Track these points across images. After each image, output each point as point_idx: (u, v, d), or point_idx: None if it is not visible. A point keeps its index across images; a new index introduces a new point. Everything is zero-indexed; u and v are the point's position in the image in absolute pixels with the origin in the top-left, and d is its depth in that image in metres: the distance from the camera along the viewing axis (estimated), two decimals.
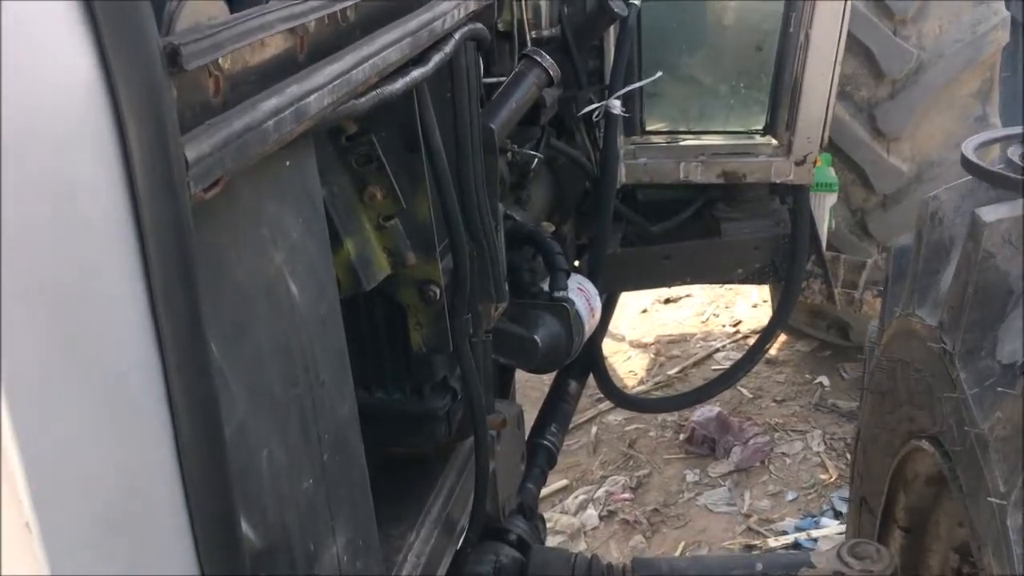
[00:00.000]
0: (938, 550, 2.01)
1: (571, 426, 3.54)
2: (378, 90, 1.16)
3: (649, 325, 5.47)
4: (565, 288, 2.35)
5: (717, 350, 5.22)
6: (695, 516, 4.00)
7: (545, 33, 2.51)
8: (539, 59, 2.02)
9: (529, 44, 2.53)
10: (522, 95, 2.02)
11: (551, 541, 3.91)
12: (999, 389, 1.32)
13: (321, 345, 1.11)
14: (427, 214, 1.45)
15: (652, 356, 5.27)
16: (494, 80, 2.05)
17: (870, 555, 1.78)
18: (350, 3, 1.10)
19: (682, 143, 3.08)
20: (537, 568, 2.05)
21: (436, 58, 1.31)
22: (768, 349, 3.26)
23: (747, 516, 3.95)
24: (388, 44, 1.12)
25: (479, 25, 1.52)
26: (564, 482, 4.29)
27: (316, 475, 1.10)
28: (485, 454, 1.65)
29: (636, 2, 2.74)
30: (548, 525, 3.59)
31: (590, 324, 2.55)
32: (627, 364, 5.16)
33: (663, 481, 4.25)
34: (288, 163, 1.06)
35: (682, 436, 4.48)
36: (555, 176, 2.74)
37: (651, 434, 4.57)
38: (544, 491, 4.28)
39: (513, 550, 2.09)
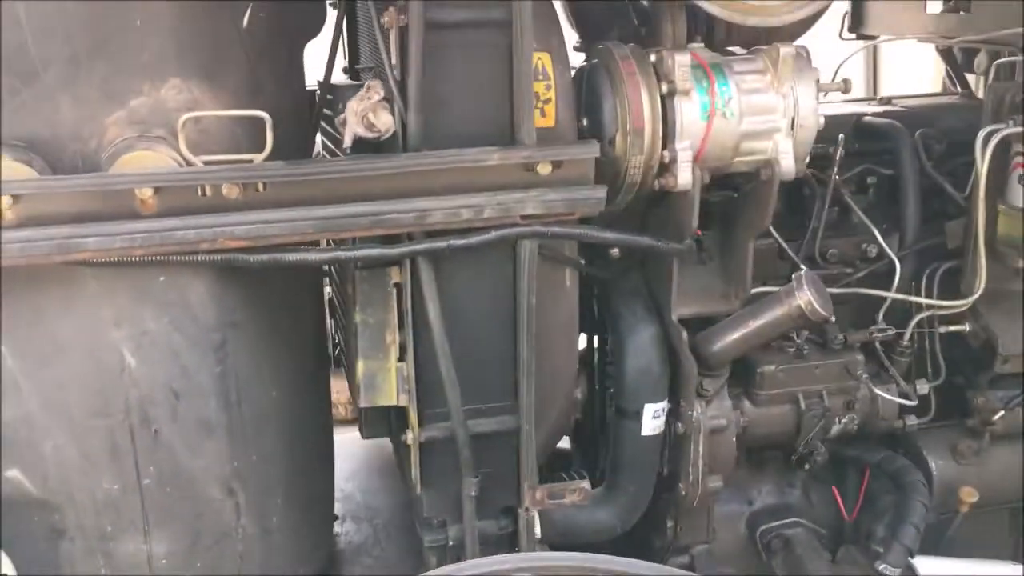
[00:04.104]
0: None
1: None
2: (273, 255, 1.45)
3: None
4: (899, 566, 1.94)
5: None
6: None
7: None
8: (800, 292, 1.64)
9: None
10: (762, 325, 1.71)
11: None
12: None
13: (162, 409, 1.53)
14: (410, 371, 1.60)
15: None
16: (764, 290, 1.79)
17: None
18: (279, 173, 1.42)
19: None
20: None
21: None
22: None
23: None
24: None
25: (539, 227, 1.54)
26: None
27: (125, 486, 1.55)
28: None
29: None
30: None
31: None
32: None
33: None
34: (162, 279, 1.48)
35: None
36: None
37: None
38: None
39: None
